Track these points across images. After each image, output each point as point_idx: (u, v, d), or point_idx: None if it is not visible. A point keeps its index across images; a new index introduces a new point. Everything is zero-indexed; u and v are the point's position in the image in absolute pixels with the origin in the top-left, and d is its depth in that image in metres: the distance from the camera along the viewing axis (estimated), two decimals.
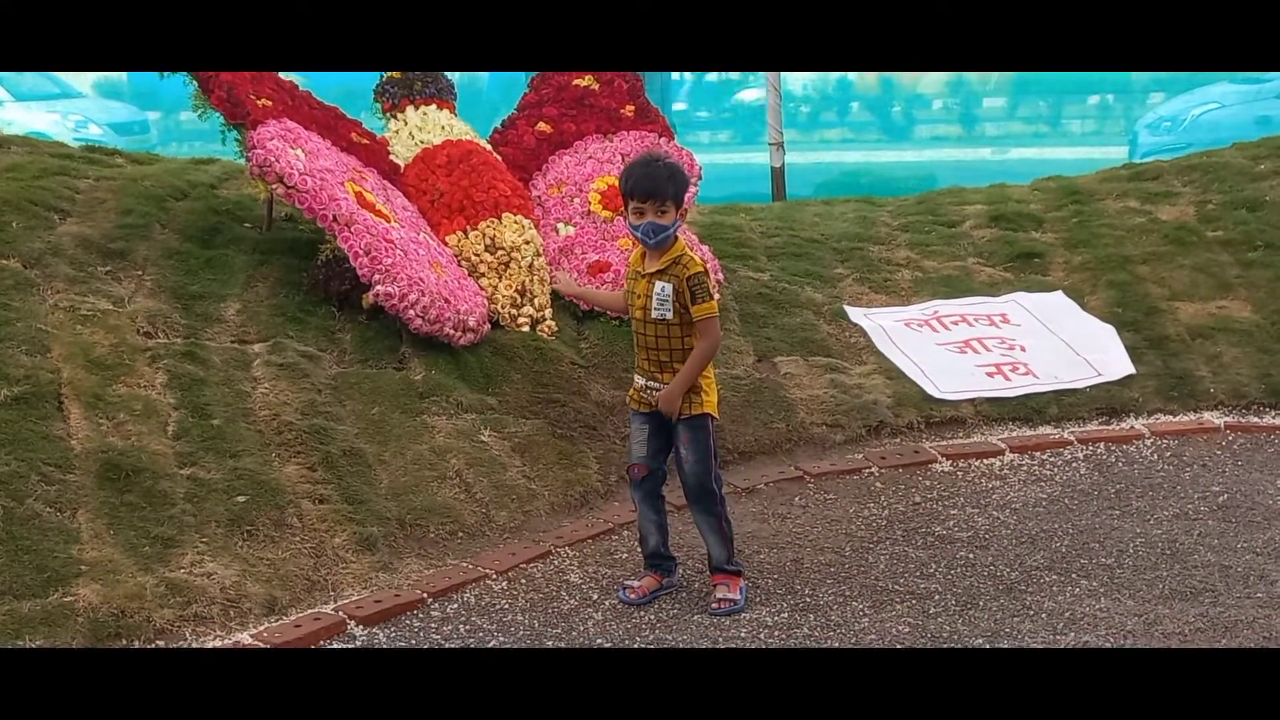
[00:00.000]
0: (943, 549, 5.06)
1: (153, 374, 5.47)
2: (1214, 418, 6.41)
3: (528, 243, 6.60)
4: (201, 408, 5.34)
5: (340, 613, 4.56)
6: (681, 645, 4.35)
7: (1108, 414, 6.46)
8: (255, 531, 4.85)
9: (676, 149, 7.23)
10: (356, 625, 4.50)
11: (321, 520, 4.99)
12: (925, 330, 6.99)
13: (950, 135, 19.42)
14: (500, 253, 6.55)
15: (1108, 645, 4.19)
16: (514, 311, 6.42)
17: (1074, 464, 5.92)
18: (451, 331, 5.97)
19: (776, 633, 4.40)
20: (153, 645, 4.28)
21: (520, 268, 6.52)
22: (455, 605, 4.68)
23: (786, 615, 4.53)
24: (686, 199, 4.67)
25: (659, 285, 4.52)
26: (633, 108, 7.60)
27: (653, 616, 4.58)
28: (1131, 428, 6.30)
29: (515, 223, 6.66)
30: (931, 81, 19.14)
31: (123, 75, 19.03)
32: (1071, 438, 6.19)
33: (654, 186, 4.49)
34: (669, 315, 4.52)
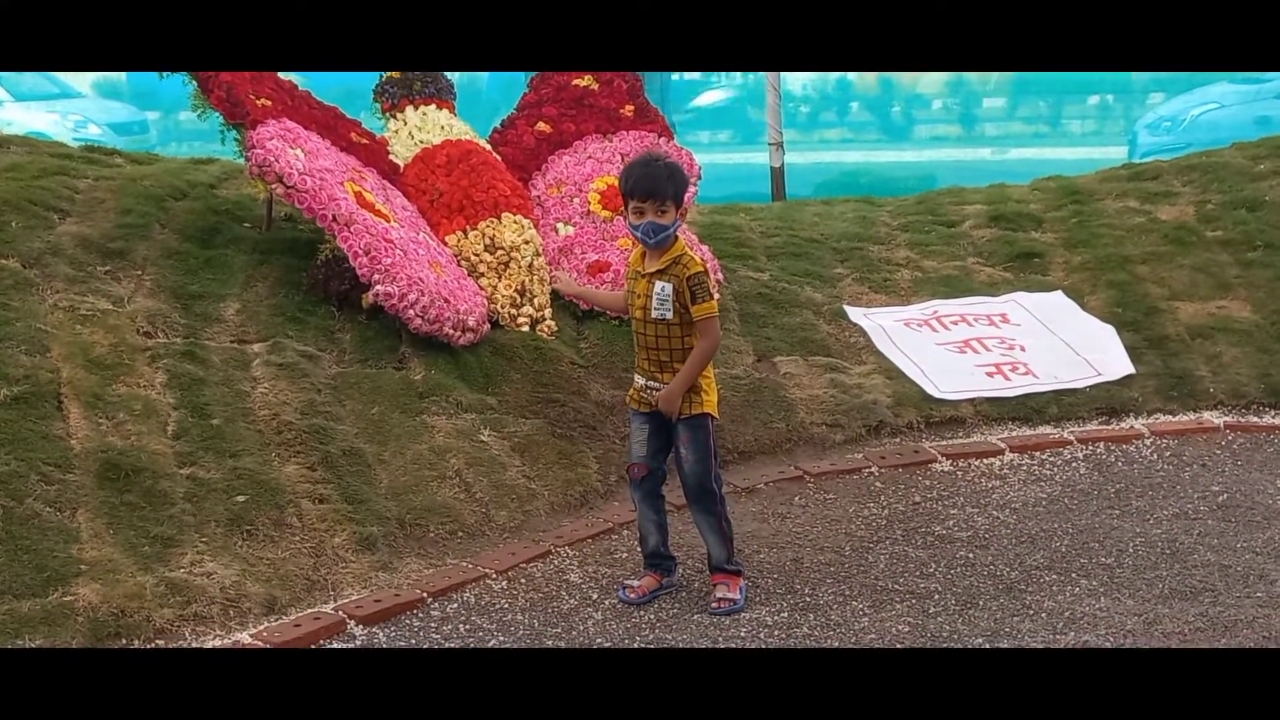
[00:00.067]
0: (942, 548, 5.06)
1: (152, 374, 5.47)
2: (1213, 417, 6.41)
3: (527, 243, 6.60)
4: (201, 407, 5.33)
5: (340, 612, 4.56)
6: (681, 645, 4.35)
7: (1107, 414, 6.46)
8: (255, 531, 4.84)
9: (676, 149, 7.23)
10: (356, 625, 4.50)
11: (321, 520, 4.99)
12: (925, 330, 6.99)
13: (950, 135, 19.41)
14: (500, 252, 6.55)
15: (1107, 645, 4.19)
16: (513, 311, 6.42)
17: (1074, 464, 5.92)
18: (451, 331, 5.97)
19: (776, 632, 4.40)
20: (152, 645, 4.28)
21: (520, 267, 6.52)
22: (455, 605, 4.68)
23: (786, 615, 4.53)
24: (686, 199, 4.67)
25: (659, 285, 4.52)
26: (632, 108, 7.60)
27: (653, 616, 4.58)
28: (1131, 427, 6.30)
29: (515, 222, 6.66)
30: (931, 81, 19.13)
31: (122, 75, 19.03)
32: (1071, 437, 6.20)
33: (654, 186, 4.49)
34: (669, 315, 4.52)
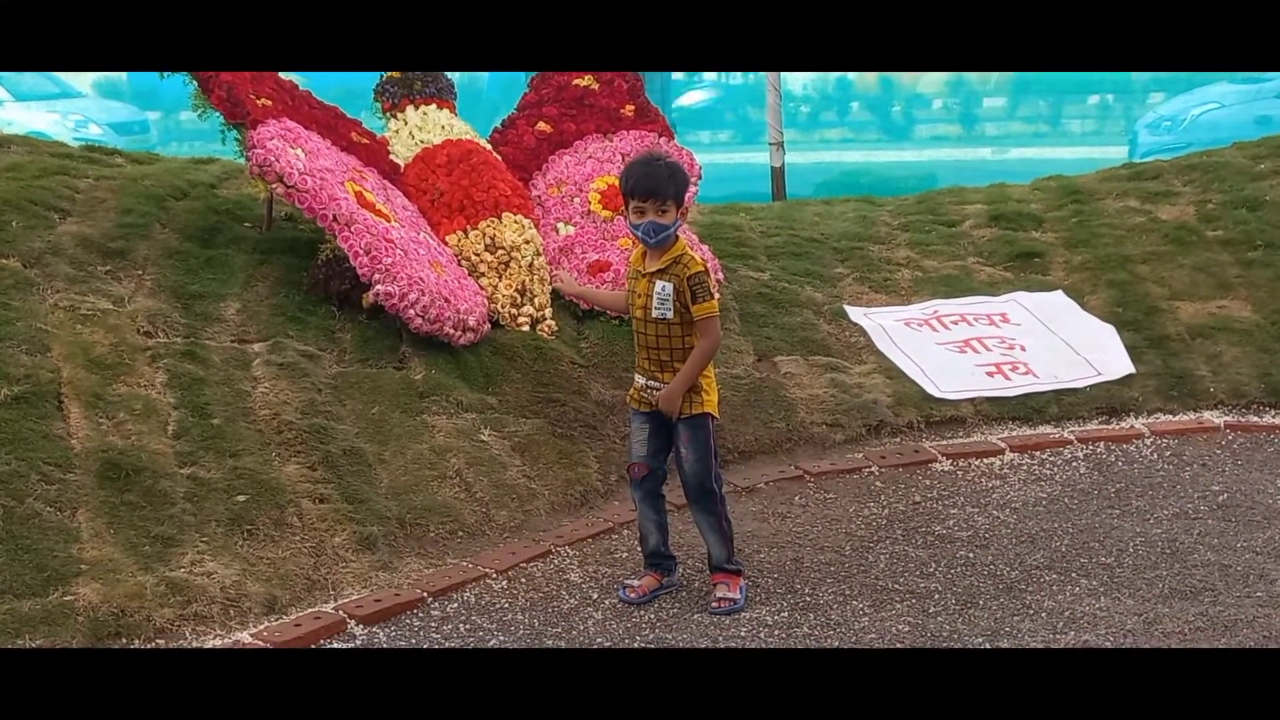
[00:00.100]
0: (942, 548, 5.06)
1: (153, 373, 5.48)
2: (1214, 417, 6.41)
3: (528, 242, 6.61)
4: (201, 407, 5.34)
5: (340, 612, 4.56)
6: (681, 644, 4.35)
7: (1108, 413, 6.46)
8: (255, 531, 4.85)
9: (676, 148, 7.23)
10: (356, 624, 4.50)
11: (321, 519, 4.99)
12: (925, 330, 6.99)
13: (950, 135, 19.42)
14: (500, 252, 6.55)
15: (1107, 644, 4.19)
16: (514, 311, 6.42)
17: (1074, 463, 5.92)
18: (451, 331, 5.97)
19: (776, 632, 4.40)
20: (153, 644, 4.28)
21: (520, 267, 6.52)
22: (455, 604, 4.68)
23: (786, 614, 4.53)
24: (687, 198, 4.67)
25: (659, 284, 4.52)
26: (633, 107, 7.60)
27: (653, 616, 4.58)
28: (1131, 427, 6.30)
29: (515, 222, 6.66)
30: (931, 81, 19.15)
31: (123, 75, 19.04)
32: (1071, 437, 6.20)
33: (654, 186, 4.49)
34: (669, 315, 4.52)
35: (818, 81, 19.56)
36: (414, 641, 4.42)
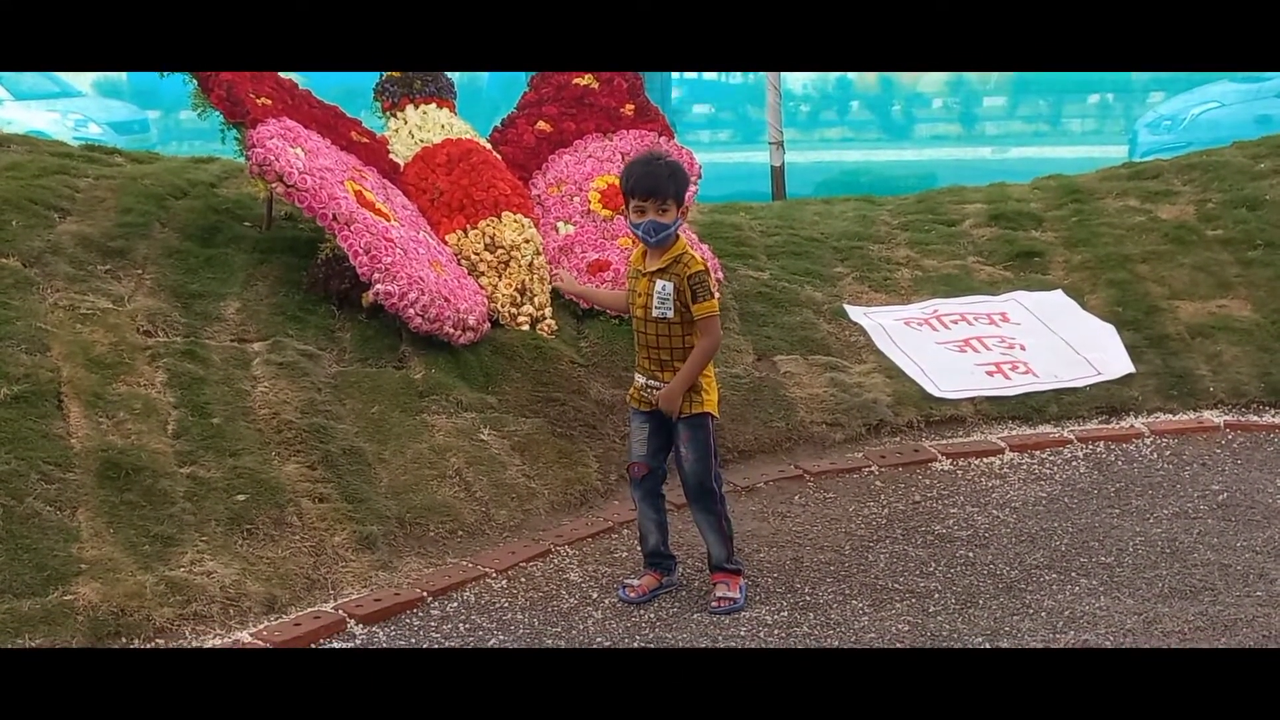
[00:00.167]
0: (942, 547, 5.06)
1: (152, 373, 5.48)
2: (1214, 416, 6.41)
3: (527, 241, 6.61)
4: (201, 406, 5.34)
5: (340, 611, 4.56)
6: (681, 644, 4.35)
7: (1107, 413, 6.46)
8: (255, 530, 4.85)
9: (676, 148, 7.22)
10: (356, 624, 4.50)
11: (321, 519, 4.99)
12: (925, 329, 7.00)
13: (950, 134, 19.43)
14: (500, 251, 6.55)
15: (1107, 644, 4.19)
16: (514, 310, 6.42)
17: (1074, 463, 5.92)
18: (451, 330, 5.97)
19: (776, 631, 4.40)
20: (152, 644, 4.28)
21: (520, 266, 6.52)
22: (455, 604, 4.68)
23: (786, 614, 4.53)
24: (687, 198, 4.67)
25: (660, 284, 4.52)
26: (632, 106, 7.60)
27: (652, 615, 4.59)
28: (1131, 426, 6.31)
29: (515, 221, 6.66)
30: (931, 81, 19.15)
31: (122, 74, 19.03)
32: (1071, 436, 6.20)
33: (655, 185, 4.49)
34: (670, 314, 4.52)
35: (818, 81, 19.57)
36: (414, 641, 4.42)
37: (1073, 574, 4.77)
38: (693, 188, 5.68)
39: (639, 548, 4.86)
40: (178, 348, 5.65)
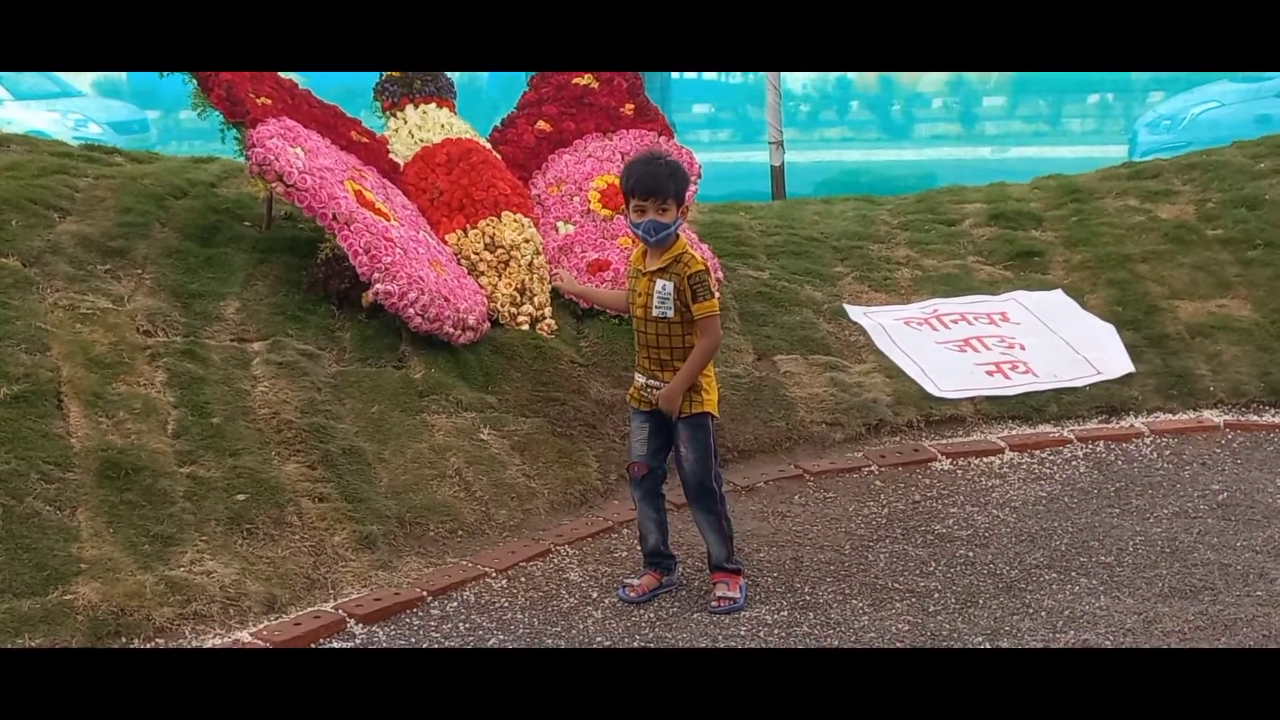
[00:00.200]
0: (942, 547, 5.06)
1: (152, 372, 5.48)
2: (1213, 416, 6.41)
3: (527, 241, 6.61)
4: (201, 406, 5.34)
5: (340, 611, 4.56)
6: (681, 643, 4.35)
7: (1107, 412, 6.46)
8: (255, 530, 4.85)
9: (676, 147, 7.22)
10: (356, 623, 4.50)
11: (321, 518, 4.99)
12: (925, 329, 7.00)
13: (950, 134, 19.43)
14: (500, 251, 6.55)
15: (1107, 643, 4.19)
16: (513, 310, 6.42)
17: (1073, 462, 5.92)
18: (451, 330, 5.97)
19: (776, 631, 4.40)
20: (152, 644, 4.28)
21: (520, 266, 6.52)
22: (455, 603, 4.68)
23: (786, 613, 4.53)
24: (687, 197, 4.67)
25: (660, 283, 4.52)
26: (632, 106, 7.60)
27: (652, 615, 4.59)
28: (1131, 426, 6.31)
29: (515, 221, 6.66)
30: (931, 80, 19.15)
31: (122, 74, 19.04)
32: (1071, 436, 6.20)
33: (655, 184, 4.49)
34: (670, 313, 4.52)
35: (817, 80, 19.57)
36: (413, 640, 4.42)
37: (1073, 573, 4.77)
38: (693, 187, 5.68)
39: (639, 547, 4.86)
40: (177, 347, 5.65)
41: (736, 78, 19.05)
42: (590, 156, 7.35)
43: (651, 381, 4.63)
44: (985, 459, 5.98)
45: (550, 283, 6.52)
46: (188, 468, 5.02)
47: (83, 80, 19.06)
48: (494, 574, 4.89)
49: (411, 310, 5.89)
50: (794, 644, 4.31)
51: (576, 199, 7.11)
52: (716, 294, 4.69)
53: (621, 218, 6.66)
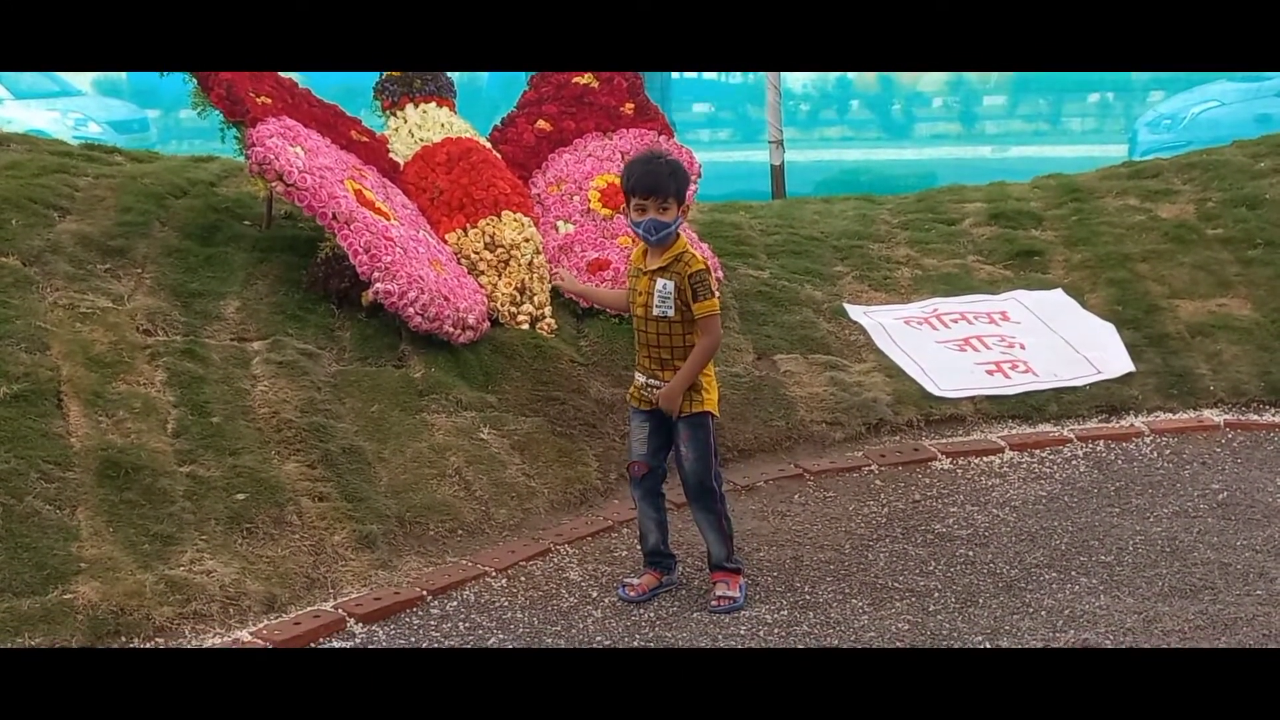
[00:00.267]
0: (942, 546, 5.06)
1: (152, 372, 5.48)
2: (1214, 415, 6.41)
3: (527, 240, 6.61)
4: (201, 405, 5.34)
5: (340, 610, 4.56)
6: (681, 643, 4.35)
7: (1107, 412, 6.46)
8: (255, 529, 4.85)
9: (676, 147, 7.22)
10: (356, 623, 4.50)
11: (321, 518, 4.99)
12: (925, 328, 7.00)
13: (950, 133, 19.44)
14: (500, 250, 6.55)
15: (1107, 643, 4.19)
16: (513, 309, 6.42)
17: (1073, 461, 5.92)
18: (451, 329, 5.97)
19: (776, 630, 4.40)
20: (152, 643, 4.28)
21: (520, 265, 6.52)
22: (455, 603, 4.68)
23: (786, 613, 4.53)
24: (687, 196, 4.67)
25: (660, 282, 4.52)
26: (632, 105, 7.60)
27: (652, 614, 4.59)
28: (1131, 425, 6.31)
29: (515, 220, 6.66)
30: (931, 80, 19.16)
31: (122, 74, 19.04)
32: (1071, 435, 6.20)
33: (656, 183, 4.49)
34: (670, 313, 4.52)
35: (817, 80, 19.57)
36: (413, 640, 4.42)
37: (1073, 573, 4.77)
38: (693, 187, 5.68)
39: (639, 547, 4.86)
40: (177, 347, 5.64)
41: (736, 77, 19.05)
42: (590, 156, 7.35)
43: (652, 381, 4.63)
44: (985, 458, 5.98)
45: (550, 282, 6.52)
46: (187, 467, 5.02)
47: (83, 79, 19.06)
48: (494, 573, 4.89)
49: (411, 309, 5.89)
50: (794, 643, 4.31)
51: (576, 198, 7.11)
52: (717, 293, 4.69)
53: (621, 217, 6.66)
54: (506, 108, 7.94)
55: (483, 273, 6.49)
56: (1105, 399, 6.50)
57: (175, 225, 6.65)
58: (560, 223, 7.00)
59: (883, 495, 5.60)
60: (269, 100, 6.52)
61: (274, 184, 6.10)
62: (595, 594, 4.75)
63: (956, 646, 4.22)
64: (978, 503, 5.49)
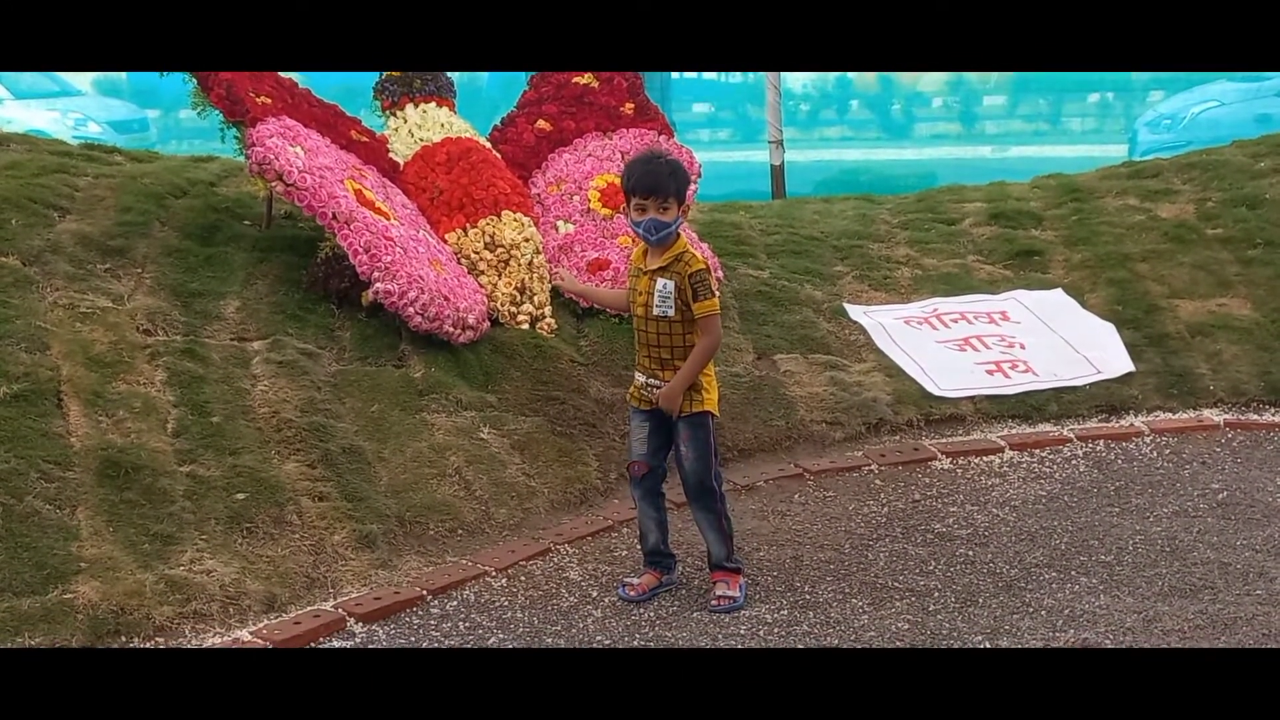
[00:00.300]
0: (942, 546, 5.06)
1: (152, 371, 5.48)
2: (1213, 415, 6.41)
3: (527, 240, 6.61)
4: (201, 405, 5.34)
5: (340, 610, 4.56)
6: (681, 643, 4.35)
7: (1107, 411, 6.46)
8: (255, 529, 4.85)
9: (676, 146, 7.22)
10: (356, 622, 4.51)
11: (321, 517, 4.99)
12: (925, 328, 7.00)
13: (950, 133, 19.43)
14: (500, 250, 6.55)
15: (1107, 642, 4.19)
16: (513, 309, 6.42)
17: (1073, 461, 5.93)
18: (451, 329, 5.97)
19: (776, 630, 4.40)
20: (152, 643, 4.28)
21: (520, 265, 6.52)
22: (455, 602, 4.68)
23: (786, 612, 4.53)
24: (688, 196, 4.67)
25: (661, 282, 4.52)
26: (632, 105, 7.60)
27: (652, 614, 4.59)
28: (1131, 425, 6.31)
29: (515, 220, 6.66)
30: (931, 80, 19.15)
31: (122, 74, 19.04)
32: (1071, 435, 6.20)
33: (656, 183, 4.49)
34: (670, 312, 4.52)
35: (817, 80, 19.57)
36: (413, 640, 4.42)
37: (1072, 572, 4.77)
38: (693, 186, 5.68)
39: (639, 546, 4.86)
40: (177, 346, 5.64)
41: (736, 77, 19.05)
42: (590, 155, 7.35)
43: (652, 380, 4.63)
44: (985, 458, 5.98)
45: (550, 282, 6.52)
46: (187, 467, 5.02)
47: (82, 79, 19.06)
48: (494, 573, 4.89)
49: (411, 309, 5.89)
50: (794, 643, 4.31)
51: (576, 198, 7.11)
52: (717, 293, 4.69)
53: (621, 217, 6.66)
54: (506, 108, 7.94)
55: (483, 272, 6.49)
56: (1105, 399, 6.50)
57: (175, 225, 6.65)
58: (560, 222, 7.00)
59: (883, 495, 5.60)
60: (269, 100, 6.52)
61: (274, 184, 6.10)
62: (595, 594, 4.75)
63: (956, 646, 4.22)
64: (978, 502, 5.49)
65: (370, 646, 4.37)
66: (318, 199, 6.03)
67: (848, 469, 5.86)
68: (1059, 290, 7.40)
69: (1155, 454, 5.98)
